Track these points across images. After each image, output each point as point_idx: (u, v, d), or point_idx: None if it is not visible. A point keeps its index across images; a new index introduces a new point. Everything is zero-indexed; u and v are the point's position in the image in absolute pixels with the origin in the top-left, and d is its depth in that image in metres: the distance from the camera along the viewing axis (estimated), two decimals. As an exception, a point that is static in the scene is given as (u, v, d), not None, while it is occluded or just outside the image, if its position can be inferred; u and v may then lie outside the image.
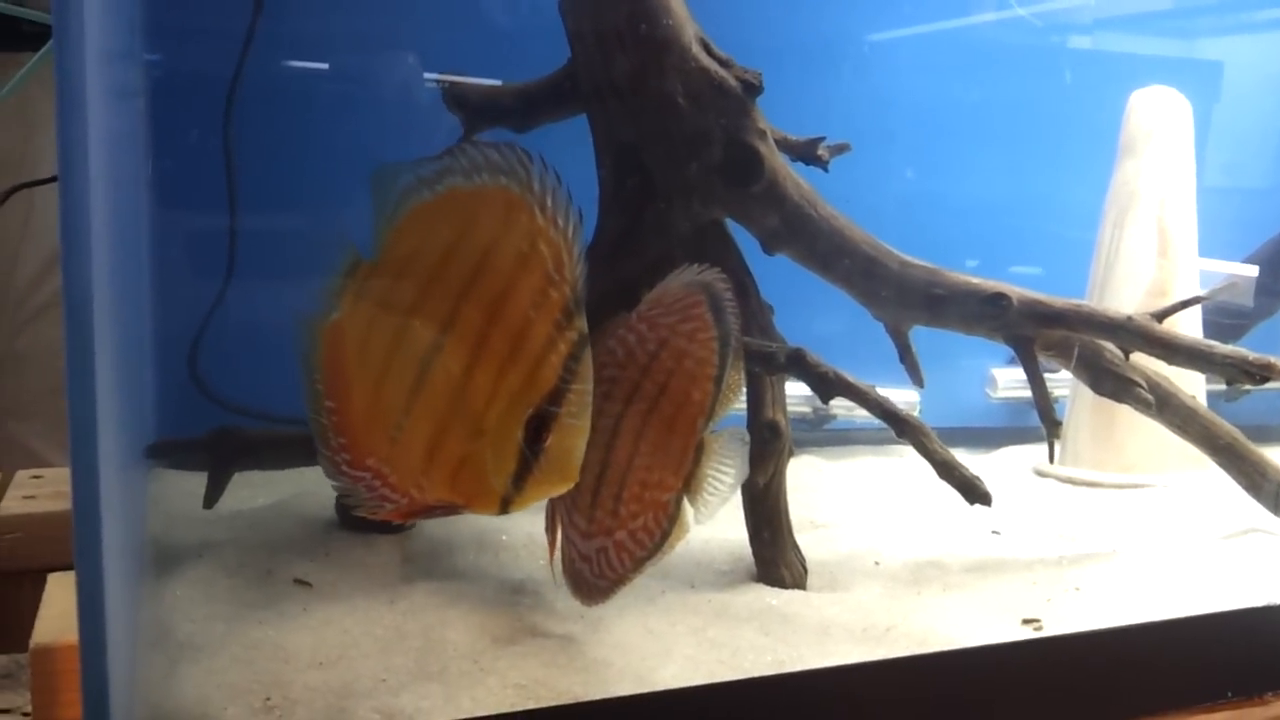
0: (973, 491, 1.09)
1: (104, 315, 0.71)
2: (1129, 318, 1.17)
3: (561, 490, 0.89)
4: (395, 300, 0.89)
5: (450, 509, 0.90)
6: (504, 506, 0.88)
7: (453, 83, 1.27)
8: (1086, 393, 1.46)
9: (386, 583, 1.12)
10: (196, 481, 1.23)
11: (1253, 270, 1.47)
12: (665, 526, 1.01)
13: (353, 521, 1.27)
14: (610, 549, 1.01)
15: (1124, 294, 1.50)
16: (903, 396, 1.67)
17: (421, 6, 1.51)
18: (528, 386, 0.86)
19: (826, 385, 1.10)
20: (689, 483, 1.01)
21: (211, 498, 1.19)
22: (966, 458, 1.69)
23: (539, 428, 0.85)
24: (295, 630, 1.00)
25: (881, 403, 1.10)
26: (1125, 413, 1.39)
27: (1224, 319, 1.53)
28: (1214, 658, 1.11)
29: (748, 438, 1.03)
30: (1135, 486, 1.49)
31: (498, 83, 1.29)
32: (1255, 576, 1.22)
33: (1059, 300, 1.19)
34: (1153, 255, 1.48)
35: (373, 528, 1.24)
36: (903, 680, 1.00)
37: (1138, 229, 1.48)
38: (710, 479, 1.01)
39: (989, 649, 1.04)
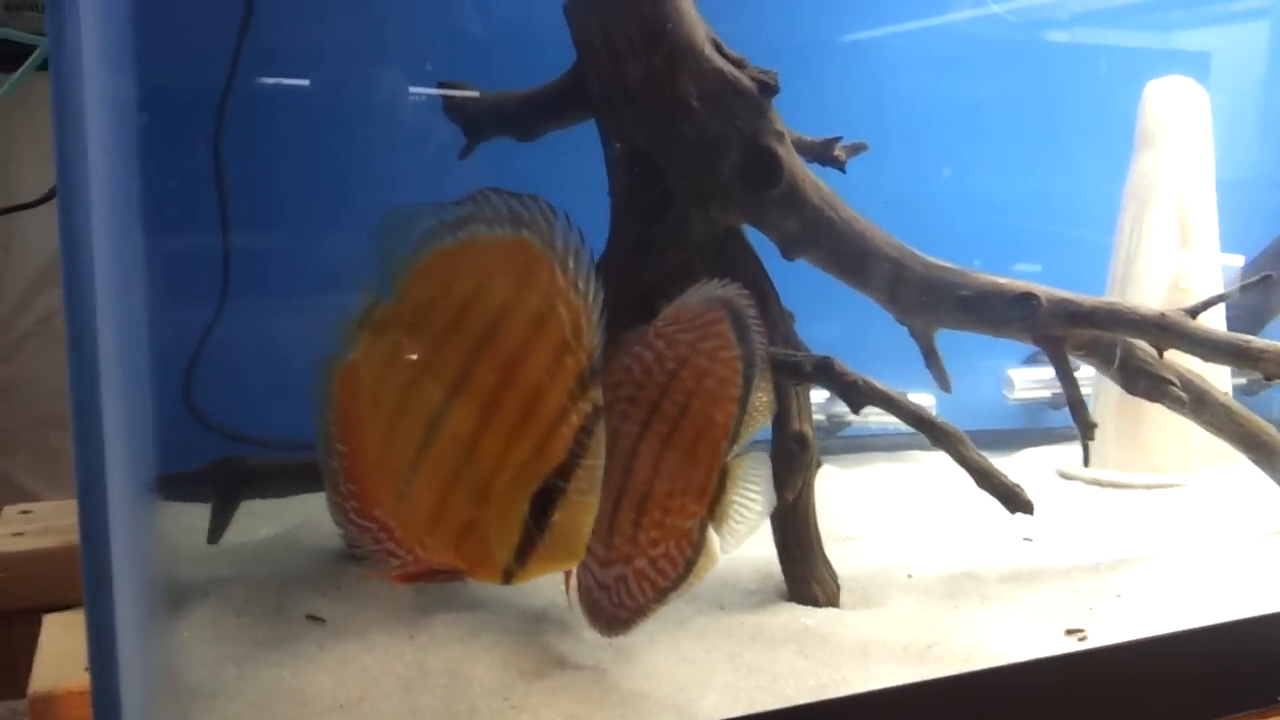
0: (1014, 500, 1.05)
1: (108, 340, 0.67)
2: (1162, 314, 1.13)
3: (566, 568, 0.86)
4: (410, 348, 0.85)
5: (453, 574, 0.86)
6: (506, 578, 0.84)
7: (454, 89, 1.22)
8: (1112, 393, 1.43)
9: (403, 616, 1.07)
10: (198, 514, 1.18)
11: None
12: (690, 555, 0.96)
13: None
14: (630, 577, 0.96)
15: (1146, 289, 1.46)
16: (915, 401, 1.65)
17: (412, 17, 1.47)
18: (536, 457, 0.81)
19: (857, 394, 1.06)
20: (713, 509, 0.96)
21: (216, 531, 1.14)
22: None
23: (545, 503, 0.81)
24: (312, 671, 0.95)
25: (915, 410, 1.06)
26: (1152, 412, 1.35)
27: (1243, 312, 1.51)
28: (1263, 662, 1.08)
29: (768, 457, 0.99)
30: (1164, 487, 1.45)
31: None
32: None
33: (1088, 298, 1.15)
34: (1175, 249, 1.45)
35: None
36: (951, 701, 0.96)
37: (1158, 222, 1.45)
38: (736, 505, 0.96)
39: (1036, 664, 1.00)
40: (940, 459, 1.67)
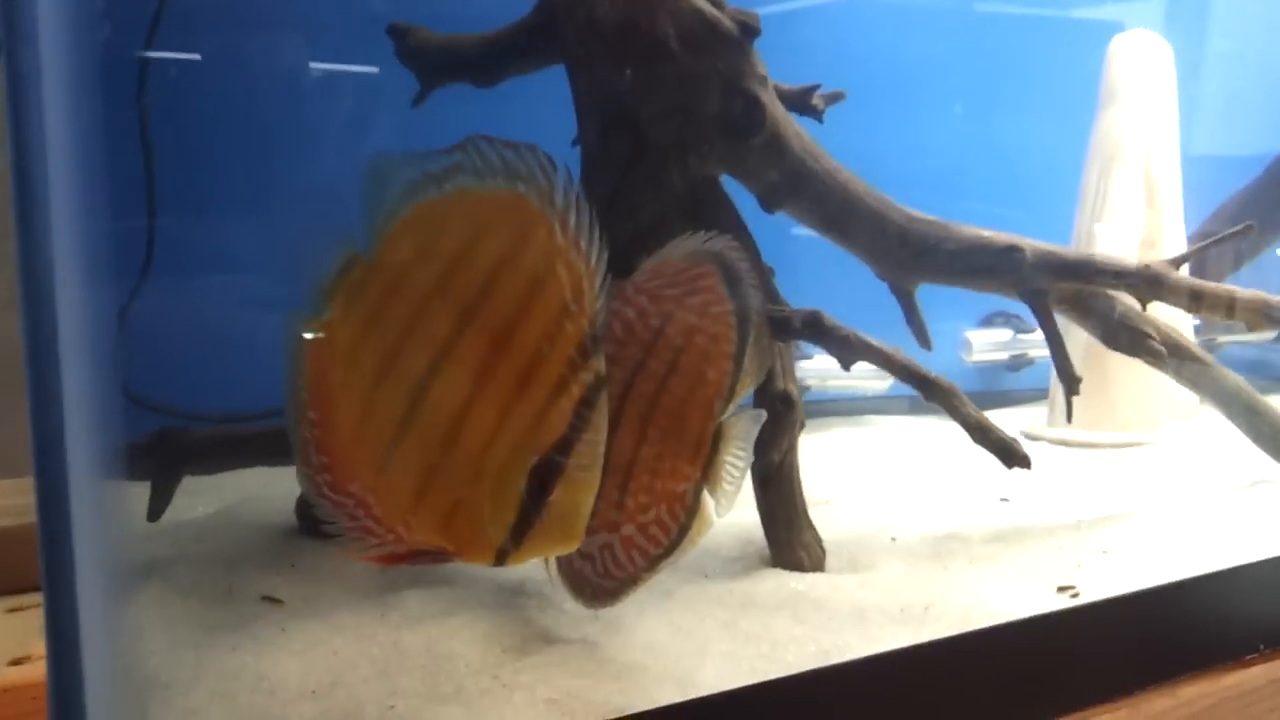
0: (1010, 454, 1.02)
1: (65, 311, 0.58)
2: (1146, 266, 1.11)
3: (565, 550, 0.78)
4: (392, 309, 0.77)
5: (439, 556, 0.78)
6: (499, 559, 0.76)
7: (408, 33, 1.14)
8: (1076, 351, 1.41)
9: (369, 594, 0.99)
10: (134, 491, 1.08)
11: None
12: (683, 520, 0.91)
13: (316, 527, 1.13)
14: (616, 545, 0.90)
15: (1113, 246, 1.45)
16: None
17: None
18: (534, 431, 0.74)
19: (848, 349, 1.01)
20: (707, 472, 0.90)
21: (156, 508, 1.04)
22: (939, 424, 1.68)
23: (544, 479, 0.74)
24: (277, 655, 0.87)
25: (908, 365, 1.02)
26: (1117, 370, 1.35)
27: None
28: (1246, 611, 1.08)
29: (764, 416, 0.93)
30: (1131, 445, 1.45)
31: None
32: (1272, 527, 1.18)
33: (1073, 251, 1.13)
34: (1141, 206, 1.44)
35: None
36: (959, 660, 0.93)
37: (1124, 178, 1.44)
38: (728, 467, 0.91)
39: (1035, 620, 0.97)
40: (897, 423, 1.68)
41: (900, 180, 1.25)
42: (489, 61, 1.15)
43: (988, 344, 1.66)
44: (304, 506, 1.14)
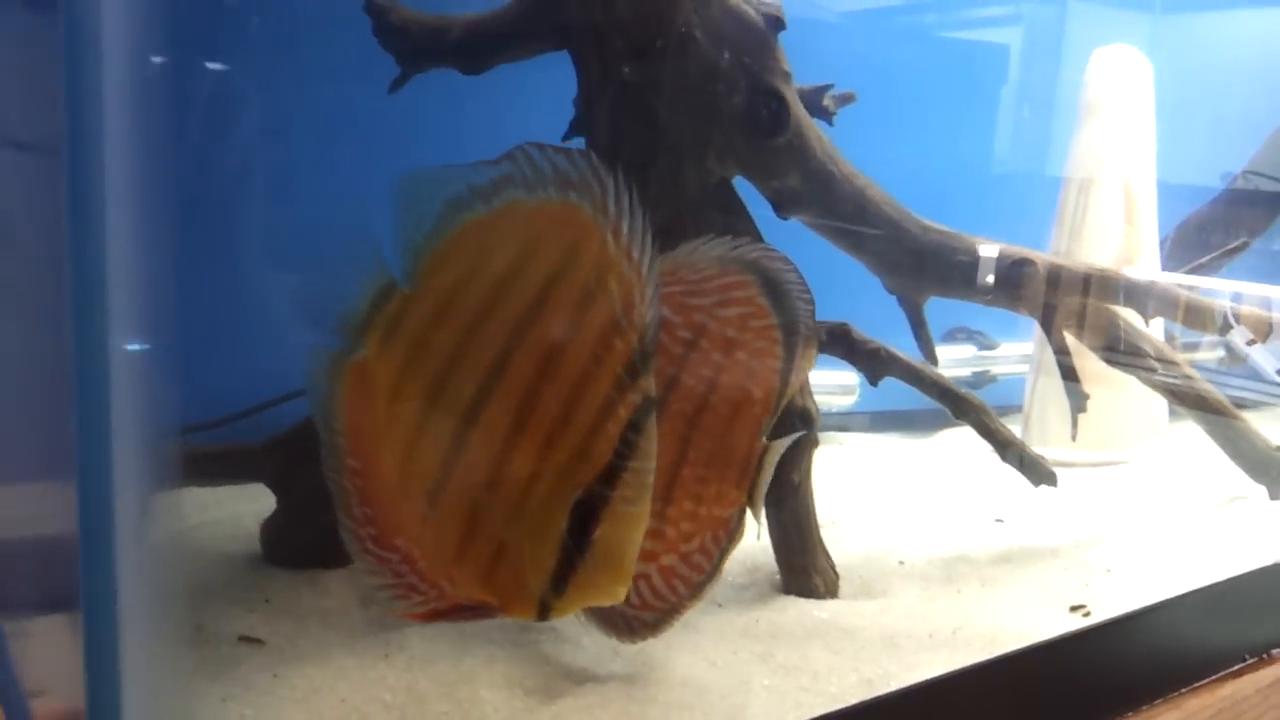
0: (1038, 472, 0.99)
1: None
2: (1152, 282, 1.10)
3: (613, 599, 0.69)
4: (439, 342, 0.69)
5: (482, 611, 0.70)
6: (543, 612, 0.68)
7: (389, 10, 1.04)
8: (1053, 368, 1.41)
9: (362, 632, 0.89)
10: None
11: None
12: (725, 545, 0.84)
13: (283, 555, 1.02)
14: (655, 576, 0.83)
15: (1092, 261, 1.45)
16: (839, 379, 1.58)
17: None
18: (577, 461, 0.67)
19: (878, 363, 0.97)
20: (752, 495, 0.84)
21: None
22: (905, 442, 1.65)
23: (586, 516, 0.67)
24: (278, 705, 0.76)
25: (939, 381, 0.98)
26: (1094, 389, 1.33)
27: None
28: (1237, 621, 1.08)
29: (805, 437, 0.88)
30: (1109, 464, 1.44)
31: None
32: (1255, 539, 1.20)
33: (1082, 265, 1.11)
34: (1119, 223, 1.44)
35: (311, 562, 1.00)
36: (996, 683, 0.89)
37: (1104, 196, 1.44)
38: (769, 488, 0.85)
39: (1063, 640, 0.95)
40: (862, 440, 1.65)
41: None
42: (478, 46, 1.05)
43: (950, 360, 1.63)
44: (270, 532, 1.02)
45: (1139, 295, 1.10)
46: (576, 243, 0.67)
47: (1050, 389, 1.43)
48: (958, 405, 0.99)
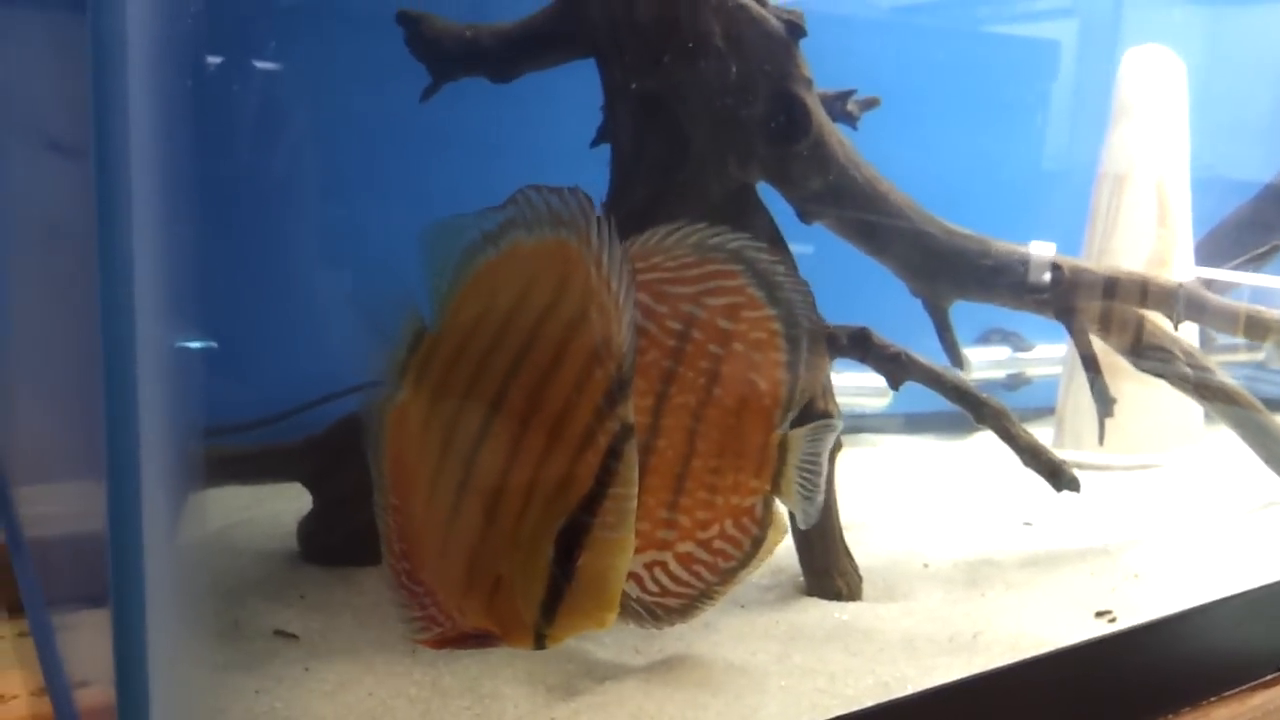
0: (1060, 477, 0.99)
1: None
2: (1180, 285, 1.10)
3: (599, 625, 0.70)
4: (453, 381, 0.72)
5: (485, 639, 0.72)
6: (539, 641, 0.70)
7: (421, 20, 1.07)
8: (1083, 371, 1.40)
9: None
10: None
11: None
12: (756, 532, 0.86)
13: (318, 553, 1.05)
14: (671, 563, 0.85)
15: (1124, 265, 1.44)
16: (872, 381, 1.58)
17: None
18: (561, 490, 0.68)
19: (898, 368, 0.97)
20: (777, 483, 0.86)
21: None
22: (938, 444, 1.65)
23: (570, 543, 0.68)
24: (307, 698, 0.79)
25: (959, 385, 0.98)
26: (1127, 392, 1.32)
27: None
28: (1272, 630, 1.07)
29: (834, 425, 0.89)
30: (1143, 468, 1.43)
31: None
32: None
33: (1108, 268, 1.11)
34: (1152, 224, 1.43)
35: (345, 559, 1.03)
36: (1015, 688, 0.90)
37: (1136, 196, 1.43)
38: (802, 477, 0.87)
39: (1085, 646, 0.95)
40: (895, 442, 1.65)
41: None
42: (507, 55, 1.08)
43: (984, 362, 1.64)
44: (306, 530, 1.05)
45: (1168, 300, 1.10)
46: (566, 276, 0.69)
47: (1083, 391, 1.43)
48: (978, 409, 1.00)
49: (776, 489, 0.86)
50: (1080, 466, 1.47)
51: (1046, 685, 0.92)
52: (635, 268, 0.79)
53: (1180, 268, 1.41)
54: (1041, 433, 1.61)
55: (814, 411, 1.02)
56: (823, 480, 0.88)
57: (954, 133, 1.61)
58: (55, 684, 0.81)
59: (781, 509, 0.87)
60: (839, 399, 1.39)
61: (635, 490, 0.68)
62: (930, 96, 1.58)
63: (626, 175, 1.02)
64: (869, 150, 1.08)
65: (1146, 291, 1.10)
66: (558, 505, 0.68)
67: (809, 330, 0.85)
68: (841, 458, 1.55)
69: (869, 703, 0.83)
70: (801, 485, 0.87)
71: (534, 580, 0.68)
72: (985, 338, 1.63)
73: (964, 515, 1.27)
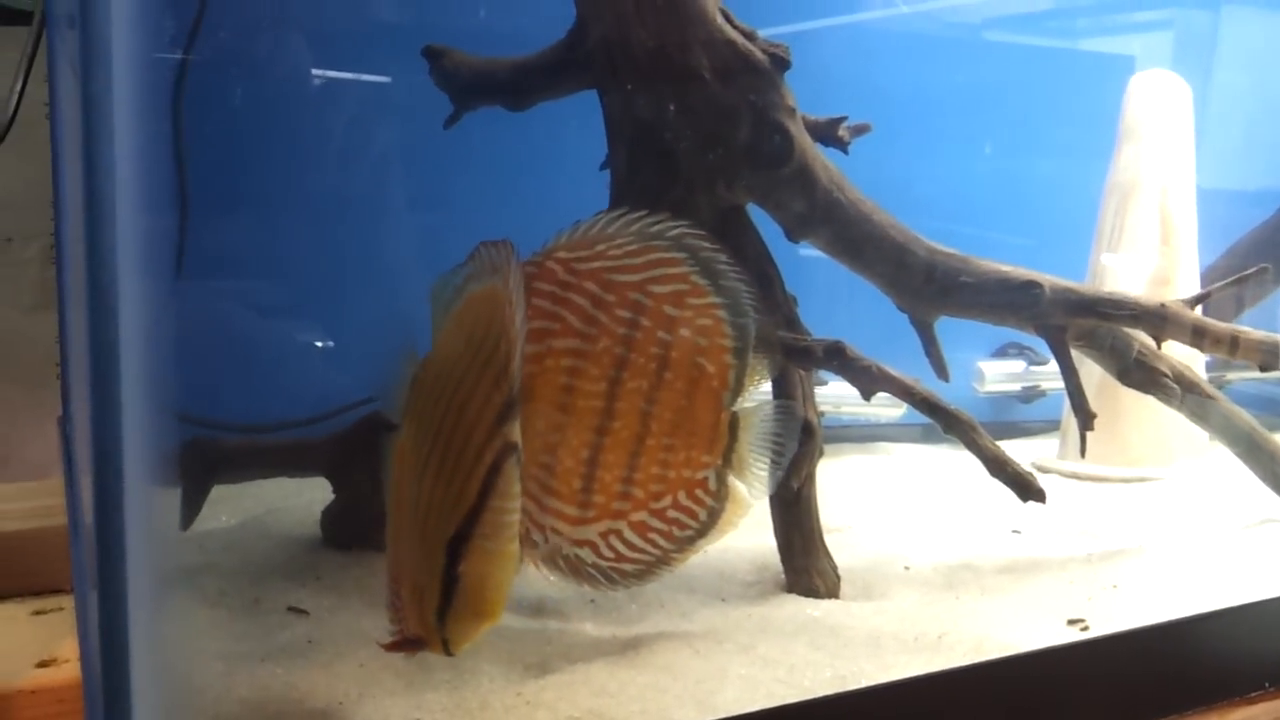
0: (1027, 489, 1.04)
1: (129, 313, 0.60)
2: (1162, 305, 1.13)
3: (482, 630, 0.76)
4: (420, 413, 0.82)
5: (414, 644, 0.79)
6: (444, 645, 0.77)
7: (443, 55, 1.16)
8: (1089, 384, 1.42)
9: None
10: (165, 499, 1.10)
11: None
12: (710, 503, 0.95)
13: (338, 539, 1.15)
14: (626, 531, 0.93)
15: (1127, 283, 1.47)
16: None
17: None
18: (455, 504, 0.75)
19: (870, 380, 1.03)
20: (729, 459, 0.94)
21: (187, 517, 1.06)
22: (956, 454, 1.69)
23: (455, 553, 0.74)
24: (305, 667, 0.89)
25: (928, 397, 1.04)
26: (1129, 405, 1.36)
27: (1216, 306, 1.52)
28: (1254, 649, 1.09)
29: (792, 406, 0.97)
30: (1142, 480, 1.46)
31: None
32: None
33: (1090, 288, 1.15)
34: (1155, 244, 1.46)
35: (363, 545, 1.13)
36: (970, 689, 0.94)
37: (1140, 217, 1.46)
38: (754, 453, 0.95)
39: (1047, 652, 0.99)
40: (909, 451, 1.70)
41: (919, 211, 1.27)
42: (521, 85, 1.17)
43: (1000, 375, 1.68)
44: (328, 518, 1.15)
45: (1149, 319, 1.13)
46: (491, 316, 0.78)
47: (1086, 405, 1.46)
48: (947, 421, 1.04)
49: (729, 464, 0.94)
50: (1079, 477, 1.52)
51: (1002, 688, 0.95)
52: (579, 255, 0.88)
53: (1183, 287, 1.43)
54: (1050, 444, 1.65)
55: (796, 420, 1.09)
56: (774, 457, 0.96)
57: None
58: (84, 653, 0.92)
59: (741, 490, 0.95)
60: (855, 408, 1.46)
61: (515, 504, 0.75)
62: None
63: (621, 197, 1.10)
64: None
65: (1130, 312, 1.13)
66: (451, 518, 0.75)
67: (756, 318, 0.93)
68: (848, 464, 1.62)
69: (821, 694, 0.90)
70: (754, 460, 0.94)
71: (434, 588, 0.76)
72: (1002, 351, 1.67)
73: (954, 521, 1.31)
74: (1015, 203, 1.60)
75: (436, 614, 0.75)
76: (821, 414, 1.62)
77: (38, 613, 1.08)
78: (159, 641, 0.89)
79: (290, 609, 1.00)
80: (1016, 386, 1.67)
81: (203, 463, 1.06)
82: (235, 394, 1.29)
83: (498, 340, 0.75)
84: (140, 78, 0.63)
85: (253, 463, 1.11)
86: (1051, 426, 1.64)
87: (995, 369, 1.68)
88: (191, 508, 1.06)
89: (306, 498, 1.28)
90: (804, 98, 1.13)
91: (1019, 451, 1.63)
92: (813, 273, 1.23)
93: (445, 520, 0.75)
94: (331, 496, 1.18)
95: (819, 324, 1.18)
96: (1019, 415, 1.71)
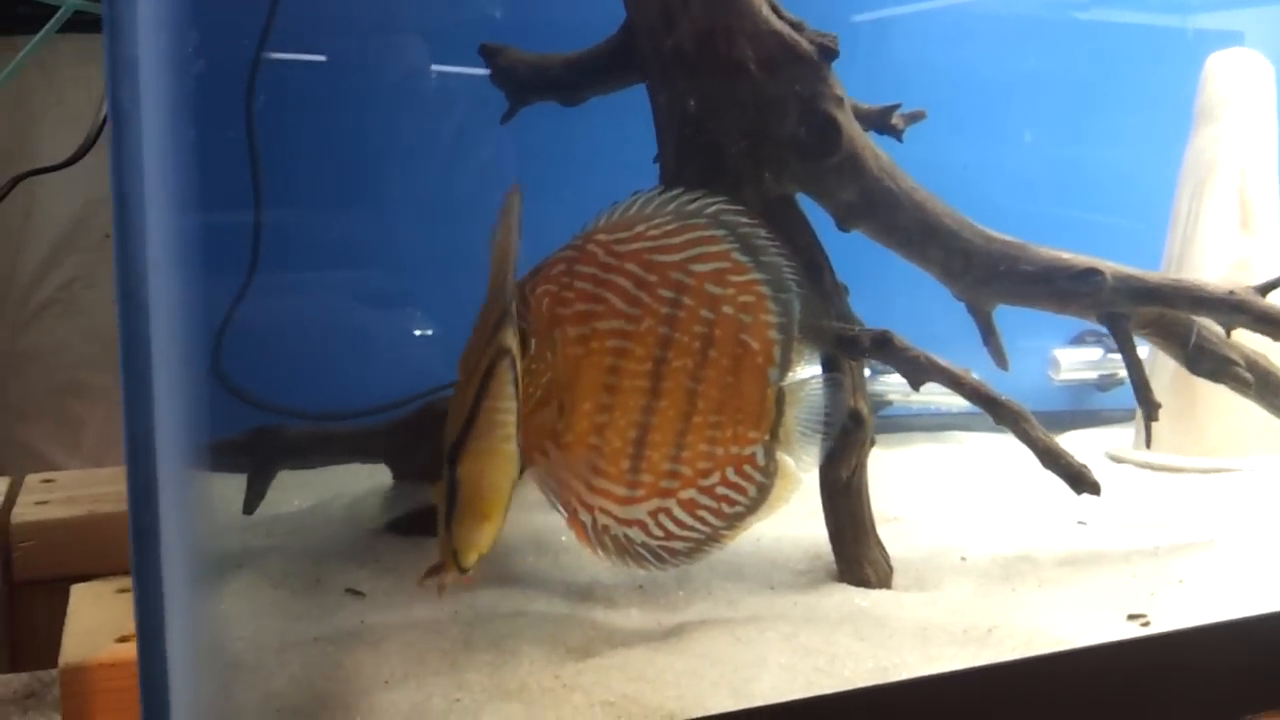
0: (1080, 481, 1.01)
1: (159, 308, 0.64)
2: (1230, 292, 1.09)
3: (484, 533, 0.78)
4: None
5: (438, 569, 0.81)
6: (454, 558, 0.78)
7: (499, 52, 1.19)
8: (1164, 372, 1.39)
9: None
10: (233, 485, 1.15)
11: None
12: (760, 479, 0.95)
13: (398, 524, 1.19)
14: (675, 509, 0.95)
15: (1205, 269, 1.42)
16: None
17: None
18: (458, 414, 0.78)
19: (918, 370, 1.02)
20: (777, 433, 0.95)
21: (252, 502, 1.11)
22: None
23: (454, 458, 0.77)
24: (355, 646, 0.92)
25: (978, 387, 1.02)
26: (1206, 393, 1.31)
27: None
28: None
29: (839, 378, 0.98)
30: (1219, 471, 1.41)
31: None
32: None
33: (1154, 275, 1.12)
34: (1235, 228, 1.40)
35: (421, 530, 1.16)
36: (1016, 684, 0.93)
37: (1217, 200, 1.40)
38: (801, 428, 0.96)
39: (1101, 648, 0.96)
40: (983, 440, 1.67)
41: (997, 192, 1.24)
42: (573, 81, 1.19)
43: (1076, 363, 1.63)
44: (388, 503, 1.19)
45: (1216, 306, 1.09)
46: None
47: (1160, 395, 1.41)
48: (997, 411, 1.03)
49: (776, 439, 0.94)
50: (1153, 467, 1.47)
51: (1050, 685, 0.93)
52: (619, 237, 0.90)
53: (1265, 273, 1.37)
54: (1126, 432, 1.60)
55: (844, 409, 1.08)
56: (824, 431, 0.96)
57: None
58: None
59: (790, 465, 0.96)
60: (924, 397, 1.44)
61: (508, 405, 0.77)
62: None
63: (670, 186, 1.10)
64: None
65: (1194, 298, 1.10)
66: (454, 428, 0.78)
67: (800, 292, 0.94)
68: (915, 453, 1.60)
69: (860, 684, 0.90)
70: (802, 434, 0.95)
71: (442, 499, 0.78)
72: (1079, 339, 1.62)
73: (1017, 512, 1.29)
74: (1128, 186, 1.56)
75: (445, 523, 0.77)
76: (890, 403, 1.62)
77: (122, 590, 1.14)
78: (207, 623, 0.94)
79: (348, 590, 1.04)
80: (1093, 374, 1.63)
81: (267, 450, 1.10)
82: (314, 382, 1.35)
83: (500, 279, 0.79)
84: (172, 83, 0.66)
85: (316, 450, 1.15)
86: (1129, 415, 1.60)
87: (1071, 357, 1.63)
88: (255, 494, 1.11)
89: (376, 482, 1.32)
90: (892, 83, 1.12)
91: (1096, 440, 1.62)
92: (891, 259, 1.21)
93: (451, 430, 0.77)
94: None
95: (899, 313, 1.18)
96: (1096, 403, 1.67)
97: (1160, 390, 1.45)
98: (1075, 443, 1.62)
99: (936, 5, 1.65)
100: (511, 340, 0.77)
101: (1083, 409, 1.67)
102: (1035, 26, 1.71)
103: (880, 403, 1.62)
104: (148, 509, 0.62)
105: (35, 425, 1.59)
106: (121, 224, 0.59)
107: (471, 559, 0.78)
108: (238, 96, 1.32)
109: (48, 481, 1.29)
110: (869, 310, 1.13)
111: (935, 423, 1.64)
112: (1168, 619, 1.02)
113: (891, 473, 1.48)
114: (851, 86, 1.10)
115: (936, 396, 1.56)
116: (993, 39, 1.65)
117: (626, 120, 1.25)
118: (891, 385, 1.56)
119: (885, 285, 1.22)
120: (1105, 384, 1.63)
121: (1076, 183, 1.68)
